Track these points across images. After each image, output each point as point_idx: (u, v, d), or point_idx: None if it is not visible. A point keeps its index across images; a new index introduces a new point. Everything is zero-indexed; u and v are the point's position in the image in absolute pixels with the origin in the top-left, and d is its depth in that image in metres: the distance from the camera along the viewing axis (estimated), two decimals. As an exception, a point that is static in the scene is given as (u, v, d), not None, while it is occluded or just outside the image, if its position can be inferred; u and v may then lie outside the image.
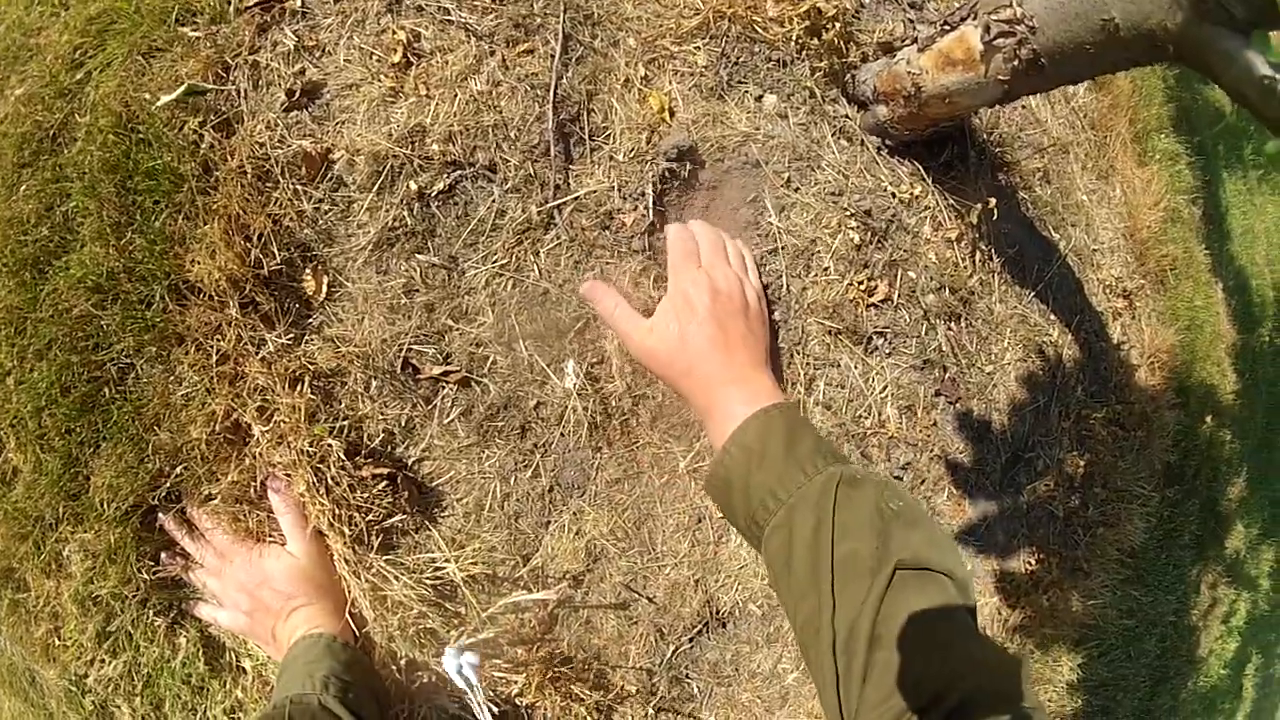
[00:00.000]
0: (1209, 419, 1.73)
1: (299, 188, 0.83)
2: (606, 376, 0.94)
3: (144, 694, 0.88)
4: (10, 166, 0.89)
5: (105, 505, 0.82)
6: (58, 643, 0.86)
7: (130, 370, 0.84)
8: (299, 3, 0.85)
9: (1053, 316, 1.28)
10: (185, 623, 0.87)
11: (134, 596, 0.83)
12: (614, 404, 0.94)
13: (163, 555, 0.85)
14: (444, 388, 0.90)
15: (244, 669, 0.91)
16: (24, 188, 0.88)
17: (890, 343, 1.04)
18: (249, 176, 0.81)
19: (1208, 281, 1.76)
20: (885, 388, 1.03)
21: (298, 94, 0.84)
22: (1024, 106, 1.35)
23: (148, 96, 0.83)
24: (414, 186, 0.87)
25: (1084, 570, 1.42)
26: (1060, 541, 1.36)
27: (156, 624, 0.85)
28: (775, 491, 0.69)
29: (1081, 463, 1.34)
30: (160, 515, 0.84)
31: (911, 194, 1.10)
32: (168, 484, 0.82)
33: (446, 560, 0.89)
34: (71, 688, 0.88)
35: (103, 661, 0.85)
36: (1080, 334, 1.32)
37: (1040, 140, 1.34)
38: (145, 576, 0.83)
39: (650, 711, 0.99)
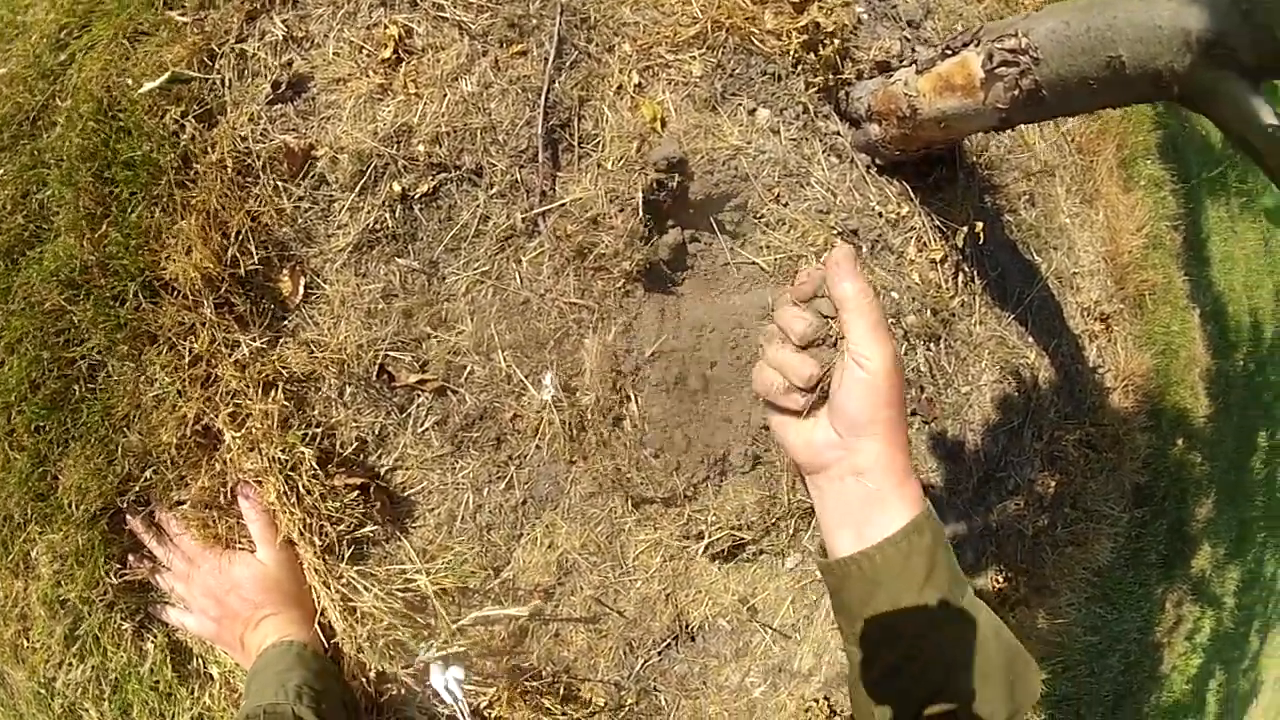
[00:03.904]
0: (1180, 442, 1.76)
1: (280, 184, 0.81)
2: (583, 389, 0.93)
3: (112, 699, 0.85)
4: (-11, 150, 0.83)
5: (74, 507, 0.79)
6: (26, 644, 0.84)
7: (101, 369, 0.80)
8: (291, -10, 0.82)
9: (1031, 339, 1.29)
10: (153, 627, 0.86)
11: (101, 600, 0.81)
12: (590, 417, 0.93)
13: (130, 558, 0.82)
14: (419, 396, 0.89)
15: (211, 676, 0.89)
16: (1, 172, 0.83)
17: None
18: (229, 171, 0.79)
19: (1185, 307, 1.78)
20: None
21: (284, 86, 0.82)
22: (1013, 130, 1.36)
23: (130, 83, 0.80)
24: (397, 188, 0.85)
25: (1050, 589, 1.44)
26: (1029, 560, 1.38)
27: (124, 628, 0.83)
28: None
29: (1052, 483, 1.36)
30: (129, 518, 0.81)
31: (898, 214, 1.10)
32: (137, 487, 0.80)
33: (418, 571, 0.88)
34: (41, 690, 0.85)
35: (70, 665, 0.83)
36: (1057, 357, 1.34)
37: (1028, 164, 1.35)
38: (112, 580, 0.81)
39: (618, 724, 0.99)
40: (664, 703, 1.00)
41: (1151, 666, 1.93)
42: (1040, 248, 1.34)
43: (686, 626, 0.99)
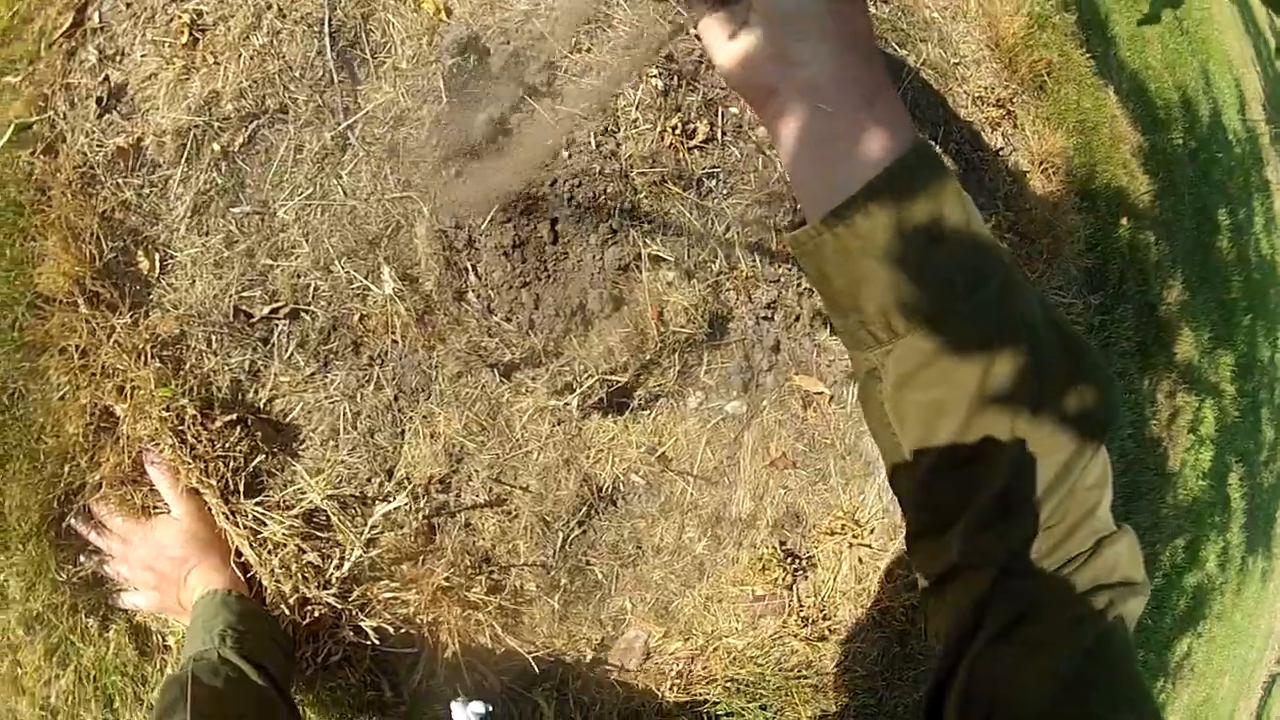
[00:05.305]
0: (1125, 221, 1.68)
1: (120, 180, 0.90)
2: (422, 275, 0.91)
3: (96, 697, 0.91)
4: None
5: (20, 523, 0.86)
6: (21, 672, 0.90)
7: (19, 392, 0.88)
8: (97, 19, 0.91)
9: (913, 133, 1.23)
10: (114, 616, 0.91)
11: (65, 604, 0.88)
12: (434, 299, 0.90)
13: (80, 556, 0.89)
14: (277, 325, 0.92)
15: (169, 645, 0.94)
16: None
17: (725, 182, 1.00)
18: (75, 185, 0.88)
19: (1095, 84, 1.70)
20: (729, 227, 0.98)
21: (106, 99, 0.91)
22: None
23: (-18, 146, 0.87)
24: (218, 148, 0.93)
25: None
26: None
27: (90, 624, 0.90)
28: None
29: (980, 280, 1.30)
30: (69, 519, 0.87)
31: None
32: (62, 485, 0.87)
33: (313, 490, 0.90)
34: (42, 712, 0.90)
35: (58, 676, 0.89)
36: (949, 145, 1.27)
37: (868, -41, 1.28)
38: (70, 581, 0.87)
39: (558, 606, 0.95)
40: (600, 576, 0.97)
41: (1157, 464, 1.85)
42: (903, 41, 1.27)
43: (599, 490, 0.95)
